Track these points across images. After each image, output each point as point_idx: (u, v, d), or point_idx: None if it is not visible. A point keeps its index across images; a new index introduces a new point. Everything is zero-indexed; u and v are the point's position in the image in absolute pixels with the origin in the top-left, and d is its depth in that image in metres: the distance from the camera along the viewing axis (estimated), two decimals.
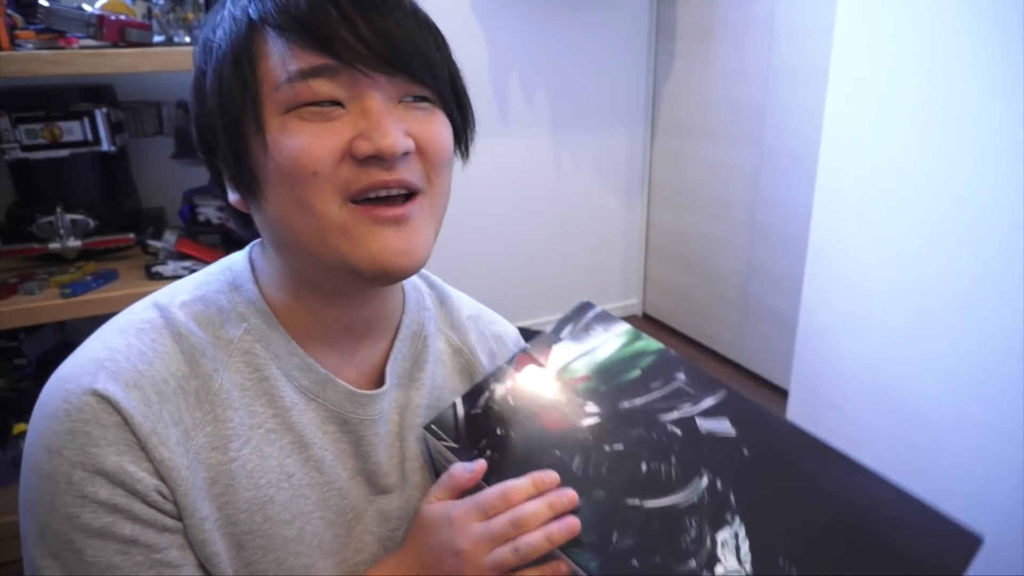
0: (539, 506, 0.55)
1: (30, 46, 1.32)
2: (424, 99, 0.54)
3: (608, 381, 0.64)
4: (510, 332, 0.77)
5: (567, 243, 2.74)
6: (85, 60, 1.31)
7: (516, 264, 2.66)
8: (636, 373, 0.65)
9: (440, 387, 0.68)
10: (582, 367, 0.66)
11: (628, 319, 2.95)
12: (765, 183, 2.26)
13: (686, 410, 0.61)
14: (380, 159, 0.50)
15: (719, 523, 0.54)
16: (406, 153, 0.52)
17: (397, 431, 0.64)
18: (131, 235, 1.55)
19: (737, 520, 0.54)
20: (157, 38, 1.47)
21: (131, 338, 0.53)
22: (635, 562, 0.53)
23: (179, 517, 0.51)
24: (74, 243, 1.49)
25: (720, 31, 2.35)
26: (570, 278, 2.80)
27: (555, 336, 0.69)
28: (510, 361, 0.68)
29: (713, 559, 0.52)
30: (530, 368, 0.66)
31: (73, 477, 0.48)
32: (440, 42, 0.56)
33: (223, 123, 0.52)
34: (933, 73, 1.20)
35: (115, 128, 1.49)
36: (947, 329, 1.22)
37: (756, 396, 2.54)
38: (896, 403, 1.33)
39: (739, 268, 2.42)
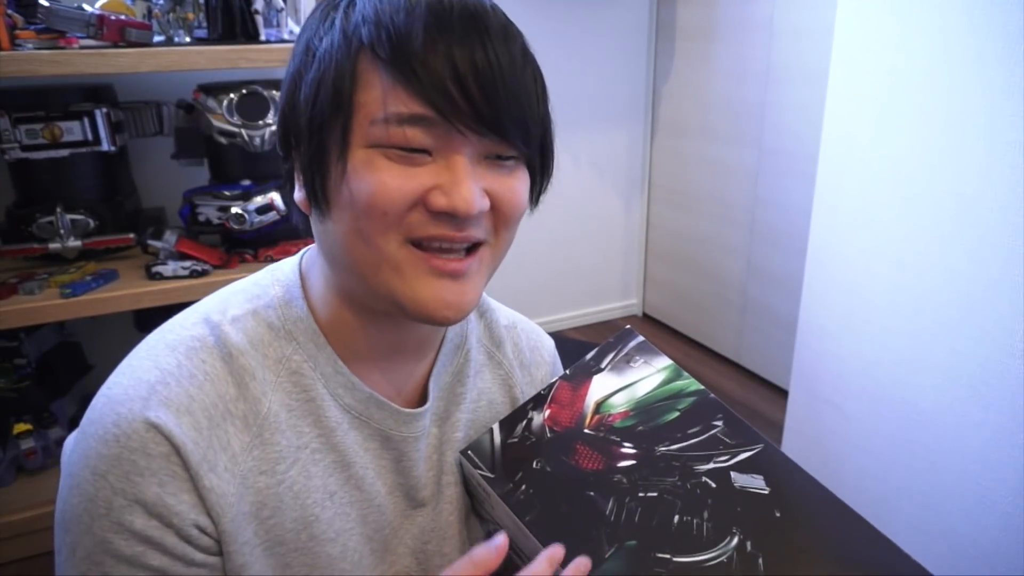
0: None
1: (30, 46, 1.32)
2: (511, 157, 0.53)
3: (646, 421, 0.65)
4: (547, 343, 0.76)
5: (567, 243, 2.74)
6: (85, 60, 1.31)
7: (515, 264, 2.66)
8: (675, 415, 0.65)
9: (478, 400, 0.68)
10: (621, 402, 0.66)
11: (628, 319, 2.95)
12: (765, 183, 2.26)
13: (722, 461, 0.62)
14: (453, 217, 0.50)
15: None
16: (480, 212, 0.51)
17: (436, 444, 0.64)
18: (131, 235, 1.55)
19: None
20: (157, 38, 1.47)
21: (182, 358, 0.53)
22: None
23: (215, 552, 0.52)
24: (74, 243, 1.49)
25: (720, 31, 2.35)
26: (570, 278, 2.80)
27: (596, 365, 0.69)
28: (548, 388, 0.67)
29: None
30: (569, 398, 0.66)
31: (114, 503, 0.48)
32: (542, 93, 0.54)
33: (309, 137, 0.52)
34: (933, 73, 1.20)
35: (115, 128, 1.49)
36: (947, 329, 1.22)
37: (756, 396, 2.53)
38: (896, 403, 1.33)
39: (739, 268, 2.42)
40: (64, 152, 1.44)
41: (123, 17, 1.36)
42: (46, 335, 1.66)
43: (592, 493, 0.59)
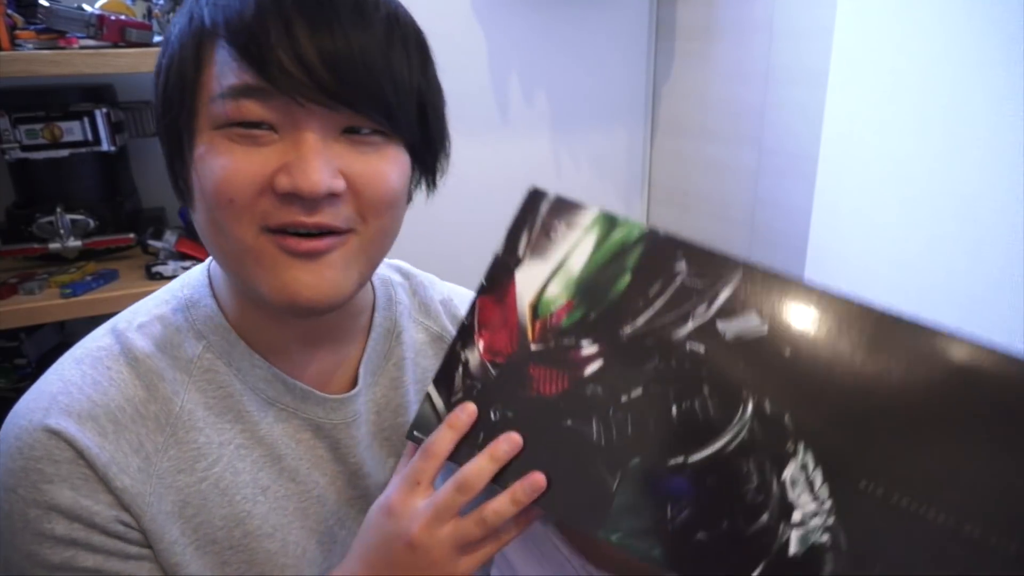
0: (480, 463, 0.48)
1: (30, 46, 1.31)
2: (376, 131, 0.49)
3: (596, 303, 0.51)
4: None
5: None
6: (85, 60, 1.31)
7: None
8: (626, 279, 0.52)
9: (423, 379, 0.66)
10: (558, 291, 0.53)
11: None
12: (765, 183, 2.26)
13: (701, 314, 0.49)
14: (301, 199, 0.47)
15: (782, 459, 0.44)
16: (334, 194, 0.48)
17: (376, 430, 0.63)
18: (131, 235, 1.55)
19: (801, 448, 0.44)
20: (157, 38, 1.47)
21: (86, 368, 0.53)
22: (701, 536, 0.44)
23: (147, 544, 0.51)
24: (74, 243, 1.49)
25: (720, 31, 2.35)
26: None
27: (512, 258, 0.55)
28: (470, 315, 0.55)
29: (787, 507, 0.43)
30: (498, 316, 0.53)
31: (29, 515, 0.48)
32: (414, 60, 0.50)
33: (162, 124, 0.51)
34: (934, 73, 1.20)
35: (115, 128, 1.49)
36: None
37: None
38: None
39: None
40: (64, 152, 1.43)
41: (123, 17, 1.35)
42: (46, 335, 1.66)
43: (569, 422, 0.49)
